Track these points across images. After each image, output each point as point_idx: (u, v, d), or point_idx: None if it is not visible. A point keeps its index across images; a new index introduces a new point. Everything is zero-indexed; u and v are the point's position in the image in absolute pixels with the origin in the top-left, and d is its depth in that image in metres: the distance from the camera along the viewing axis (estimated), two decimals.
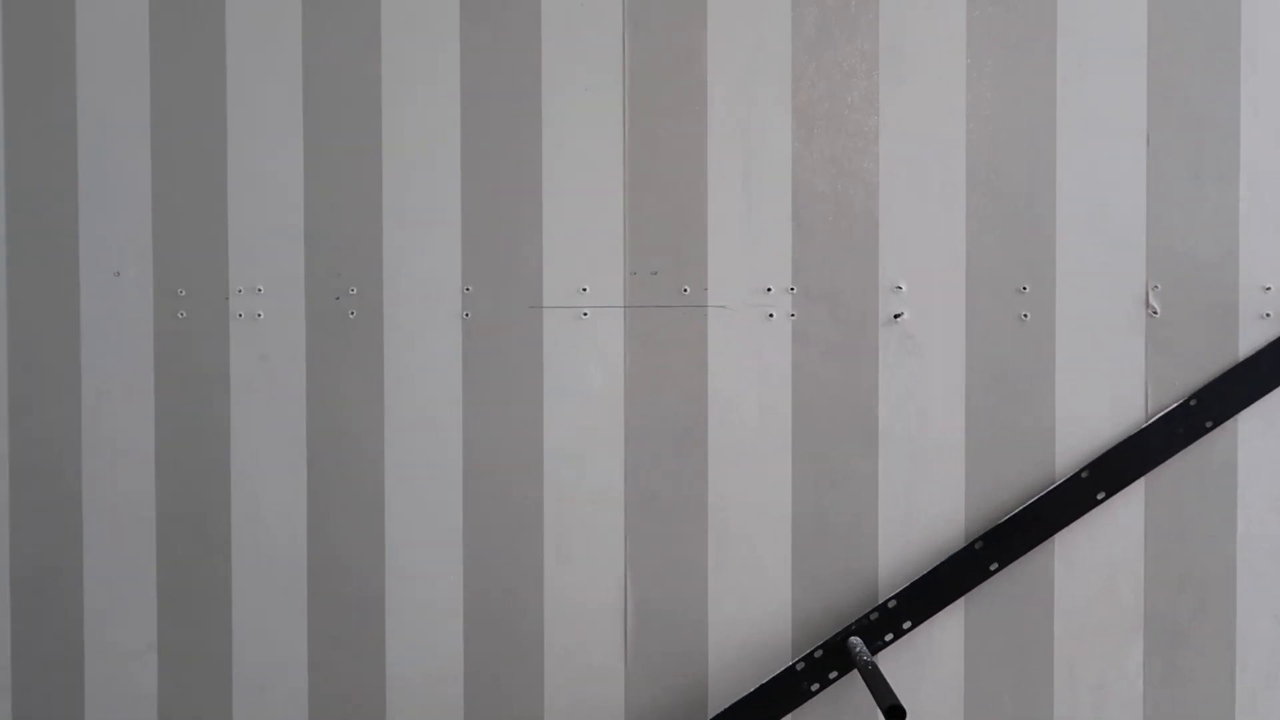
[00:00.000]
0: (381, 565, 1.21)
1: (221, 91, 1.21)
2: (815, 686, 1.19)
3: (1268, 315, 1.17)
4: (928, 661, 1.20)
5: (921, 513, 1.20)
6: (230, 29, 1.21)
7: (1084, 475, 1.19)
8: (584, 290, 1.21)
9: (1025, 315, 1.18)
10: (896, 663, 1.20)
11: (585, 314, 1.21)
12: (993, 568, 1.19)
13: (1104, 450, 1.18)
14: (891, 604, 1.19)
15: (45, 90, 1.22)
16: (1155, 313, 1.17)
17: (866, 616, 1.19)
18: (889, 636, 1.19)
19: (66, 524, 1.22)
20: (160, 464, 1.22)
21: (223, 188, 1.21)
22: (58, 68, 1.22)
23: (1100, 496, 1.19)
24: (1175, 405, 1.19)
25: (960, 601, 1.19)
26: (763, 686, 1.18)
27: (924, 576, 1.19)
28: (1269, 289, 1.17)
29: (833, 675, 1.19)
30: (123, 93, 1.21)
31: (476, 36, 1.20)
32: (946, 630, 1.20)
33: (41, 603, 1.23)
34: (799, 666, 1.20)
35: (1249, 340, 1.17)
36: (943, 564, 1.19)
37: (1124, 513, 1.19)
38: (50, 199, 1.23)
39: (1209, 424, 1.19)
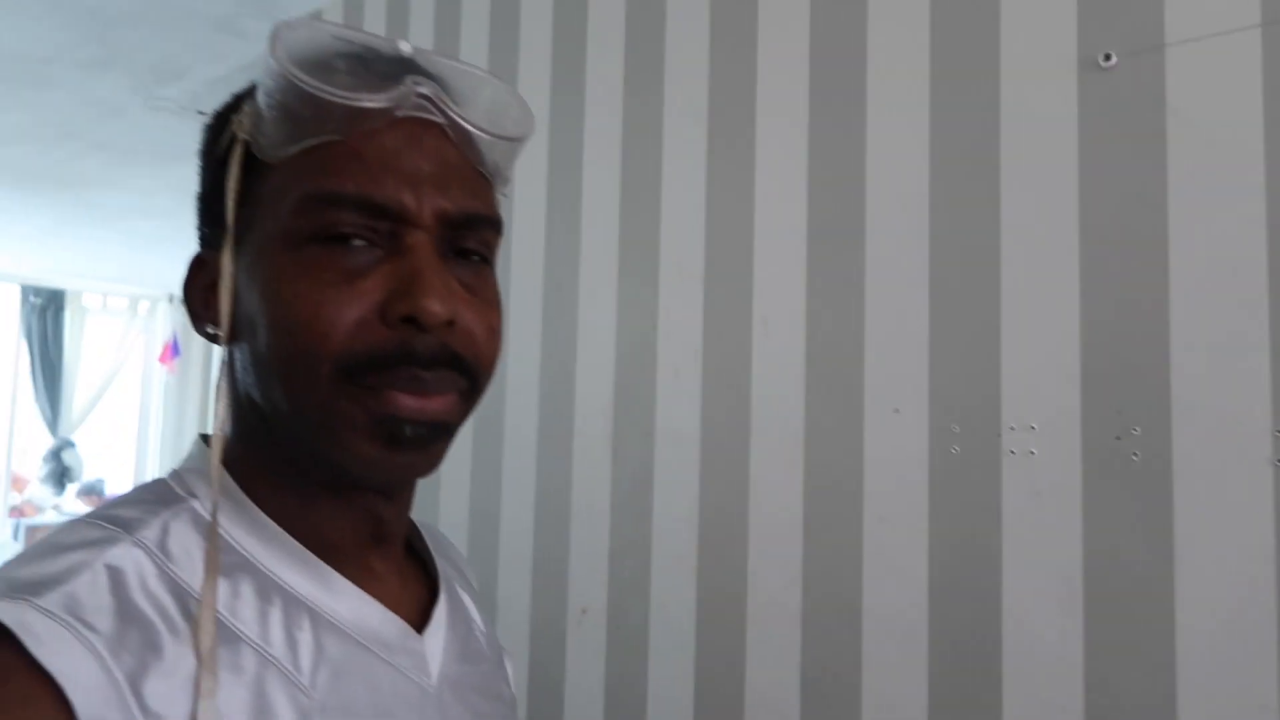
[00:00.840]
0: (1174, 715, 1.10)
1: (995, 232, 1.26)
2: None
3: None
4: None
5: None
6: (1005, 160, 1.25)
7: None
8: None
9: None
10: None
11: None
12: None
13: None
14: None
15: (836, 226, 1.39)
16: None
17: None
18: None
19: (847, 631, 1.34)
20: (933, 586, 1.28)
21: (996, 324, 1.24)
22: (847, 201, 1.38)
23: None
24: None
25: None
26: None
27: None
28: None
29: None
30: (901, 224, 1.33)
31: None
32: None
33: (823, 705, 1.36)
34: None
35: None
36: None
37: None
38: (841, 341, 1.39)
39: None
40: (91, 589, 0.50)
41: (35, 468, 7.44)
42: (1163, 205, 1.14)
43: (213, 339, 0.62)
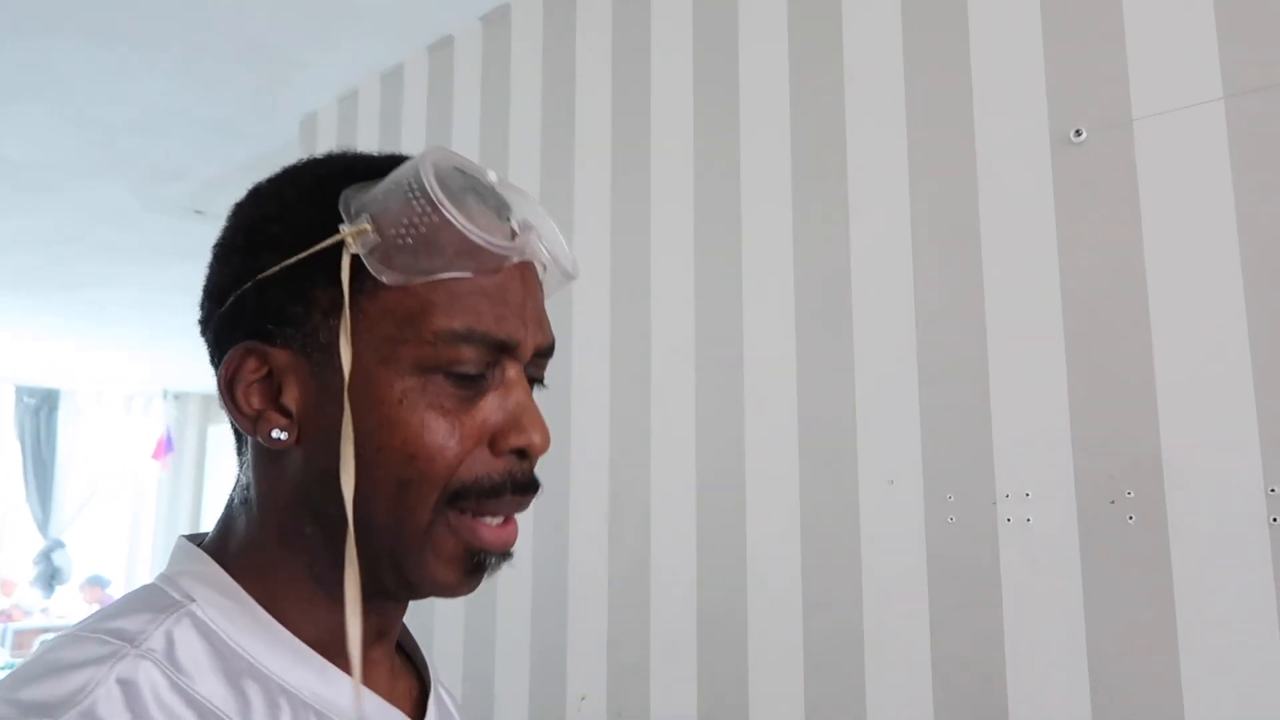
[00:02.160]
0: None
1: (980, 304, 1.28)
2: None
3: None
4: None
5: None
6: (985, 234, 1.28)
7: None
8: None
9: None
10: None
11: None
12: None
13: None
14: None
15: (824, 299, 1.42)
16: None
17: None
18: None
19: (851, 714, 1.32)
20: (936, 662, 1.26)
21: (985, 395, 1.26)
22: (834, 275, 1.41)
23: None
24: None
25: None
26: None
27: None
28: None
29: None
30: (886, 299, 1.35)
31: (1257, 212, 1.10)
32: None
33: None
34: None
35: None
36: None
37: None
38: (833, 409, 1.40)
39: None
40: (108, 706, 0.50)
41: (24, 570, 7.32)
42: (1140, 272, 1.17)
43: (267, 438, 0.61)
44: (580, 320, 1.77)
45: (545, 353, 0.66)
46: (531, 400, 0.63)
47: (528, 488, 0.63)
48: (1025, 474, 1.22)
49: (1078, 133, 1.23)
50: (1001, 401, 1.25)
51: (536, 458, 0.63)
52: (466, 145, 2.06)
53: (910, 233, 1.36)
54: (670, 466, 1.59)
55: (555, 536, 1.75)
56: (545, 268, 0.67)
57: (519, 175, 1.92)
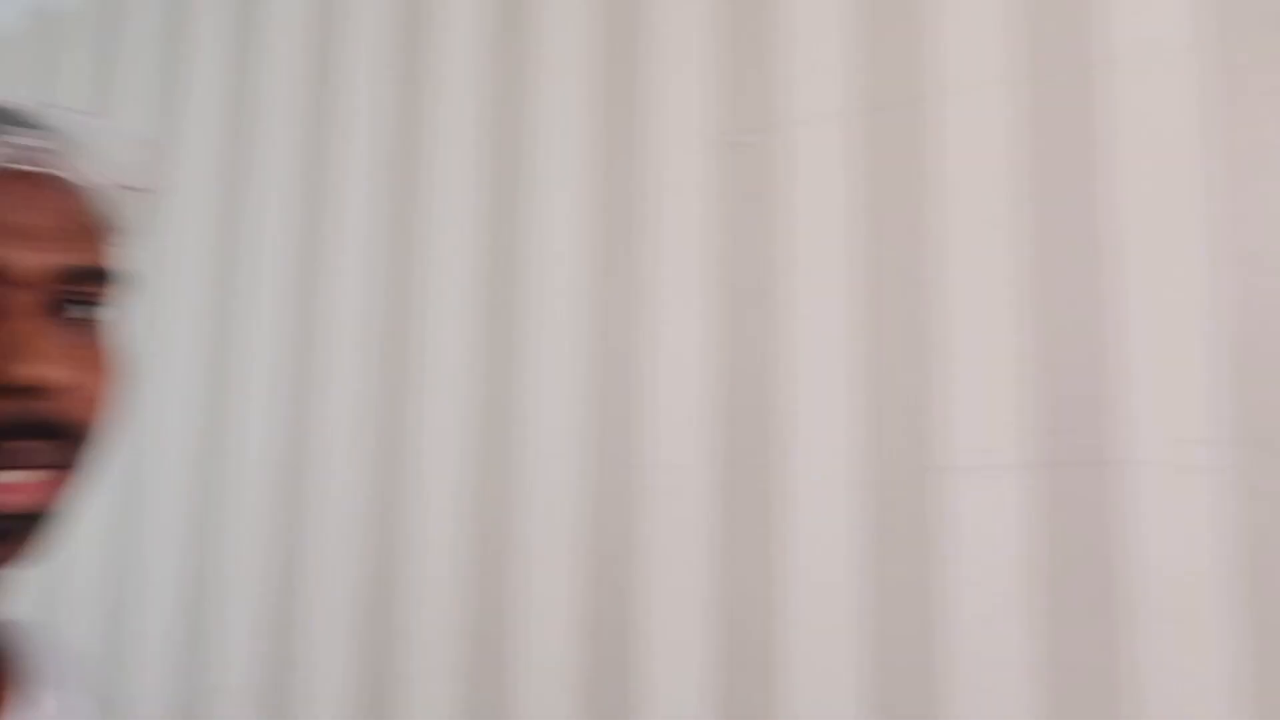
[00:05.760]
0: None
1: (641, 292, 1.35)
2: None
3: None
4: None
5: None
6: (640, 230, 1.34)
7: None
8: (988, 450, 1.19)
9: None
10: None
11: (989, 474, 1.18)
12: None
13: None
14: None
15: (502, 292, 1.42)
16: None
17: None
18: None
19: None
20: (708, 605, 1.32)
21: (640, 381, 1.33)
22: (511, 277, 1.41)
23: None
24: None
25: None
26: None
27: None
28: None
29: None
30: (558, 296, 1.38)
31: (872, 215, 1.26)
32: None
33: None
34: None
35: None
36: None
37: None
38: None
39: None
40: None
41: None
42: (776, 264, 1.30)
43: None
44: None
45: (82, 276, 0.59)
46: (40, 328, 0.56)
47: (37, 431, 0.55)
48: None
49: (736, 136, 1.34)
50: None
51: (58, 397, 0.55)
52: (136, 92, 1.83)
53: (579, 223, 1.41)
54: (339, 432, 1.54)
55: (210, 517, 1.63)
56: (85, 181, 0.59)
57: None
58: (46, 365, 0.54)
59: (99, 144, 0.61)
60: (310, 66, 1.66)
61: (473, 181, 1.49)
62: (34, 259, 0.55)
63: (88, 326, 0.60)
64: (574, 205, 1.41)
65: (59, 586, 1.76)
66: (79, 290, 0.59)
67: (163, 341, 1.75)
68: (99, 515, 1.74)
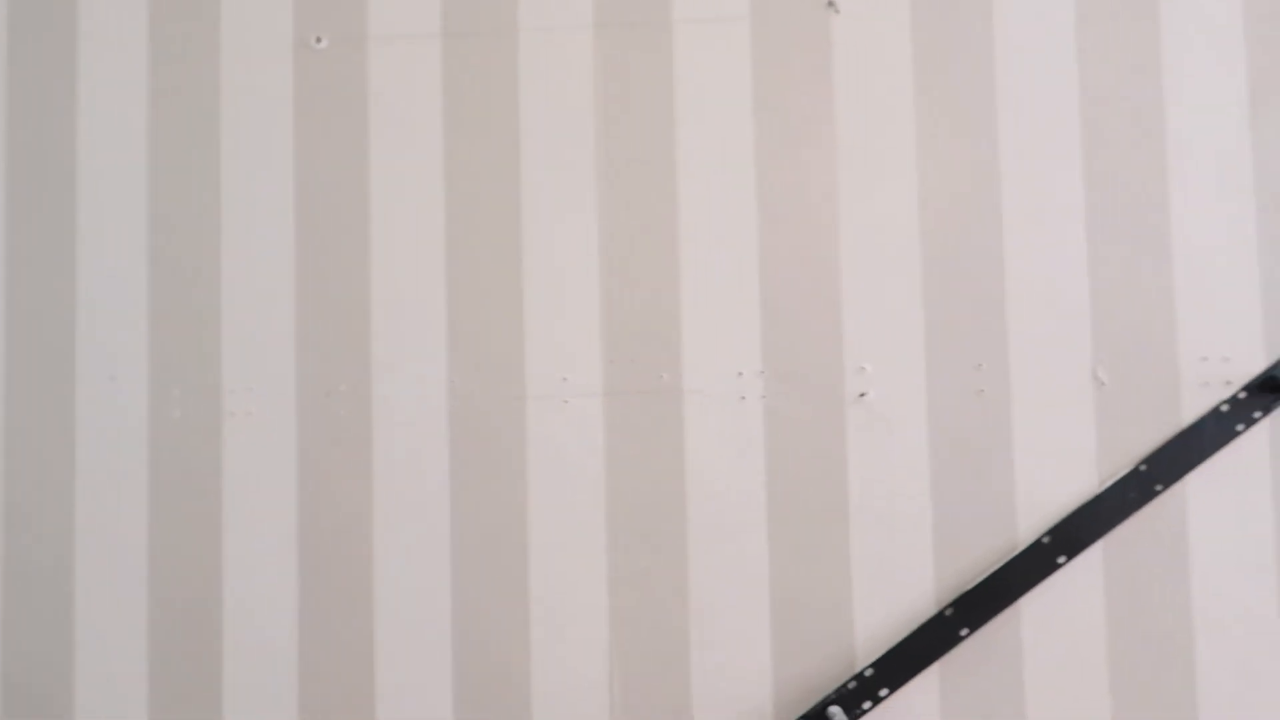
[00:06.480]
0: (371, 648, 1.24)
1: (216, 201, 1.27)
2: None
3: (1207, 384, 1.25)
4: None
5: (894, 583, 1.25)
6: (224, 133, 1.27)
7: (1045, 541, 1.24)
8: (565, 379, 1.26)
9: (982, 390, 1.25)
10: None
11: (566, 402, 1.26)
12: (963, 633, 1.24)
13: (1062, 517, 1.24)
14: (868, 673, 1.24)
15: (44, 195, 1.28)
16: (1103, 384, 1.25)
17: (845, 686, 1.23)
18: (867, 705, 1.23)
19: (60, 623, 1.25)
20: (153, 558, 1.25)
21: (217, 291, 1.26)
22: (56, 172, 1.27)
23: (1061, 561, 1.24)
24: (1126, 471, 1.26)
25: (935, 667, 1.24)
26: None
27: (898, 645, 1.23)
28: (1206, 359, 1.25)
29: None
30: (119, 195, 1.27)
31: (458, 141, 1.27)
32: (922, 696, 1.25)
33: (33, 703, 1.24)
34: None
35: (1191, 408, 1.24)
36: (915, 632, 1.24)
37: (1084, 576, 1.25)
38: (49, 302, 1.28)
39: (1159, 488, 1.25)
40: None
41: None
42: (365, 182, 1.28)
43: None
44: None
45: None
46: None
47: None
48: (250, 369, 1.26)
49: (319, 39, 1.29)
50: (231, 297, 1.27)
51: None
52: None
53: (146, 126, 1.29)
54: None
55: None
56: None
57: None
58: None
59: None
60: None
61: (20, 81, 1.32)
62: None
63: None
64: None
65: None
66: None
67: None
68: None
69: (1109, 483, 1.24)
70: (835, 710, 1.22)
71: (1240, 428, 1.25)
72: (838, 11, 1.26)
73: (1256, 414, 1.24)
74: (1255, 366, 1.24)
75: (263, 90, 1.29)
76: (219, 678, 1.24)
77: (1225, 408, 1.25)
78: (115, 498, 1.26)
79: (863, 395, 1.25)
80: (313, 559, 1.25)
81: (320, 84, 1.30)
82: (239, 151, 1.29)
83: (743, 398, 1.26)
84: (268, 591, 1.24)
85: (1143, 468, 1.25)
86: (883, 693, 1.23)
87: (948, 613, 1.24)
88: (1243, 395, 1.25)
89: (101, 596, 1.25)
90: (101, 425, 1.26)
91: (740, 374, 1.26)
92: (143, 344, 1.27)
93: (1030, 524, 1.24)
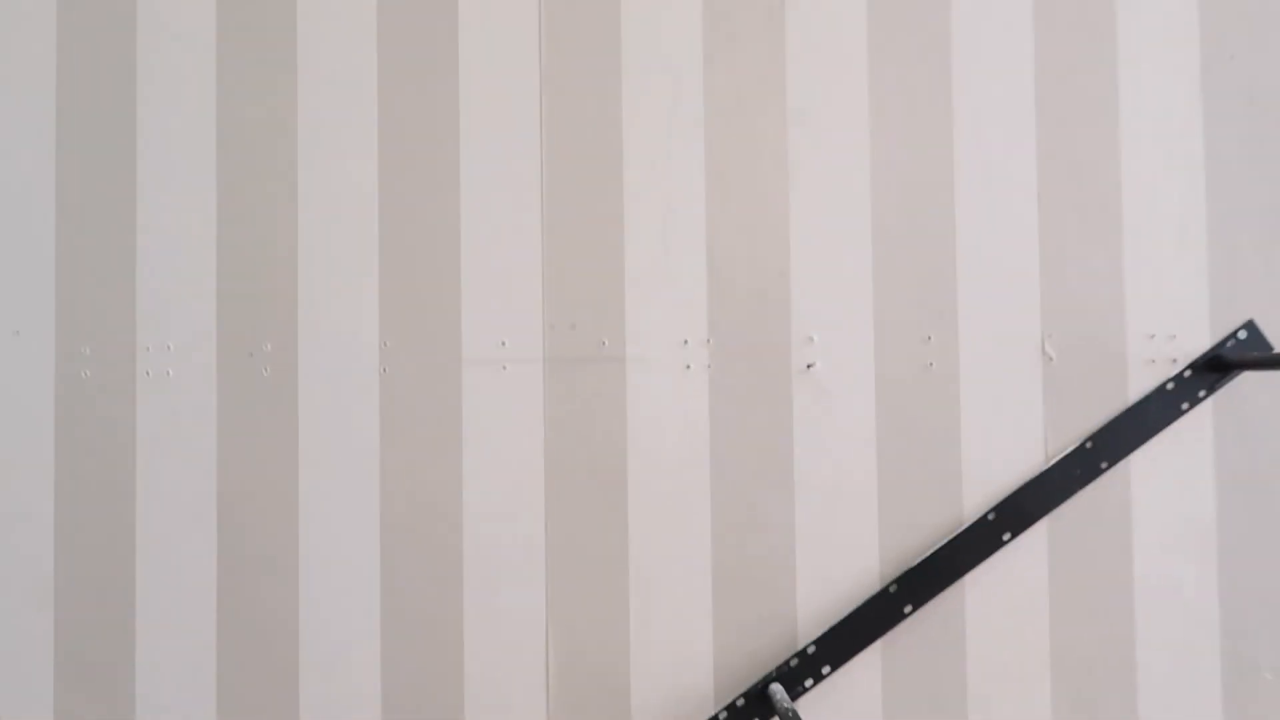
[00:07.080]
0: (296, 621, 1.18)
1: (131, 144, 1.20)
2: None
3: (1153, 361, 1.24)
4: (847, 706, 1.22)
5: (838, 557, 1.22)
6: (141, 81, 1.20)
7: (990, 517, 1.23)
8: (503, 344, 1.21)
9: (931, 364, 1.22)
10: (817, 708, 1.22)
11: (505, 367, 1.21)
12: (907, 610, 1.22)
13: (1008, 493, 1.23)
14: (811, 649, 1.21)
15: None
16: (1051, 359, 1.23)
17: (787, 663, 1.21)
18: (809, 682, 1.21)
19: None
20: (60, 527, 1.17)
21: (132, 242, 1.19)
22: None
23: (1006, 537, 1.23)
24: (1073, 448, 1.24)
25: (877, 644, 1.22)
26: None
27: (841, 621, 1.21)
28: (1153, 336, 1.24)
29: None
30: (26, 143, 1.19)
31: (395, 95, 1.21)
32: (865, 673, 1.22)
33: None
34: (721, 716, 1.20)
35: (1138, 385, 1.24)
36: (859, 608, 1.22)
37: (1029, 553, 1.24)
38: None
39: (1104, 465, 1.25)
40: None
41: None
42: (293, 125, 1.21)
43: None
44: None
45: None
46: None
47: None
48: (168, 327, 1.19)
49: None
50: (147, 251, 1.19)
51: None
52: None
53: (55, 74, 1.21)
54: None
55: None
56: None
57: None
58: None
59: None
60: None
61: None
62: None
63: None
64: None
65: None
66: None
67: None
68: None
69: (1055, 459, 1.23)
70: (777, 688, 1.19)
71: (1185, 406, 1.24)
72: None
73: (1201, 393, 1.24)
74: (1201, 344, 1.23)
75: (183, 30, 1.21)
76: (131, 649, 1.17)
77: (1171, 385, 1.24)
78: (18, 464, 1.18)
79: (810, 366, 1.22)
80: (232, 530, 1.18)
81: (245, 24, 1.22)
82: (156, 96, 1.21)
83: (687, 366, 1.22)
84: (184, 565, 1.18)
85: (1088, 445, 1.24)
86: (825, 670, 1.20)
87: (892, 589, 1.22)
88: (1188, 374, 1.24)
89: (4, 576, 1.18)
90: (3, 384, 1.18)
91: (685, 342, 1.22)
92: (49, 297, 1.18)
93: (976, 500, 1.22)
